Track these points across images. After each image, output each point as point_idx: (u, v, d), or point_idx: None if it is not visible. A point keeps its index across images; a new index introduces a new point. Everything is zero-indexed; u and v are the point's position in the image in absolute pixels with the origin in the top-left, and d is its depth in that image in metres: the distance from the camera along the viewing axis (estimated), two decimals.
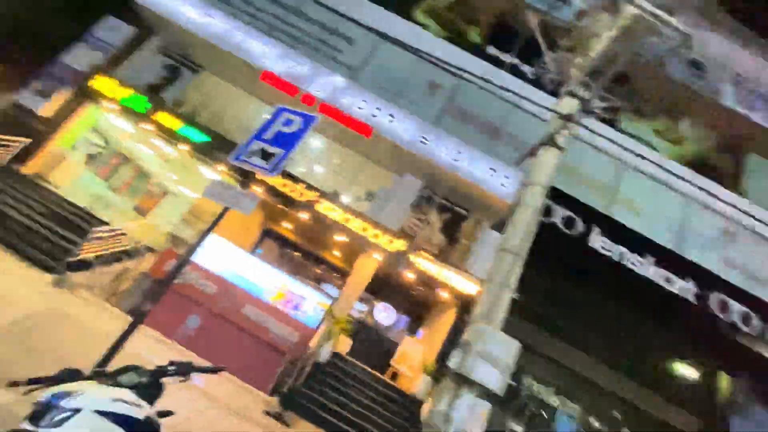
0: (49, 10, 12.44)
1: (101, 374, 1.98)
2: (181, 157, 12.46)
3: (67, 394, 1.60)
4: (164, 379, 2.17)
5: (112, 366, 2.20)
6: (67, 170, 11.73)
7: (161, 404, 2.08)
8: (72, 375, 1.83)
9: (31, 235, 7.95)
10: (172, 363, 2.19)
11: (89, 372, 1.95)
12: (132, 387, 1.96)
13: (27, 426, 1.45)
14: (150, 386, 2.04)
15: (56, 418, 1.50)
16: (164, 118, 11.49)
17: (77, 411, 1.56)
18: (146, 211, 15.12)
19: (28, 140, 10.57)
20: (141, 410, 1.81)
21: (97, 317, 5.92)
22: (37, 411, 1.50)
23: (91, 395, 1.67)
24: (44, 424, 1.48)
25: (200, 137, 11.41)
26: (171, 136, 11.44)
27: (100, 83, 11.56)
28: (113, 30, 12.49)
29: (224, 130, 11.85)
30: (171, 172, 14.79)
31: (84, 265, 8.29)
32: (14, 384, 1.65)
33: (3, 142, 10.00)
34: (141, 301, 7.14)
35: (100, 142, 13.86)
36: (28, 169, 10.80)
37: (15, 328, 4.07)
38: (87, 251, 8.41)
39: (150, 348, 5.89)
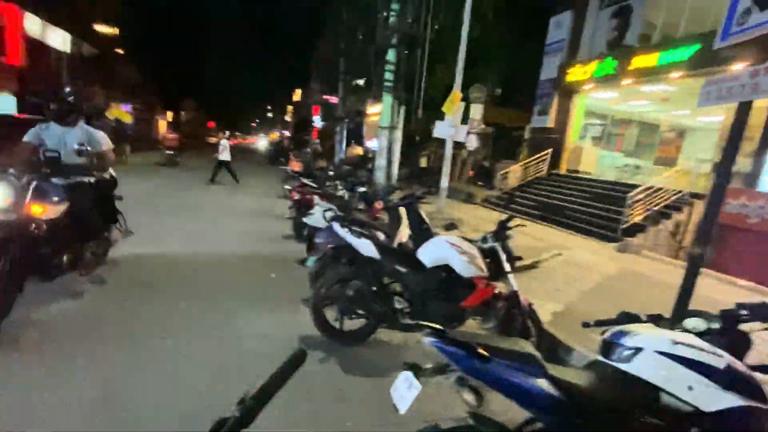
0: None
1: (659, 318, 1.93)
2: (680, 87, 10.65)
3: (624, 334, 1.68)
4: (744, 327, 1.74)
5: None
6: (588, 158, 13.45)
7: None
8: (630, 318, 1.93)
9: (587, 216, 9.63)
10: (741, 306, 1.73)
11: (645, 317, 1.96)
12: (701, 333, 1.73)
13: (600, 358, 1.66)
14: (724, 334, 1.71)
15: (623, 354, 1.61)
16: (639, 61, 10.60)
17: (639, 350, 1.58)
18: (672, 160, 13.87)
19: (550, 150, 13.39)
20: (718, 359, 1.54)
21: (664, 272, 5.94)
22: (603, 348, 1.68)
23: (649, 336, 1.64)
24: (614, 358, 1.63)
25: (687, 51, 9.32)
26: (656, 73, 10.24)
27: (571, 75, 12.80)
28: (558, 28, 13.71)
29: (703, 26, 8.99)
30: (676, 109, 12.94)
31: (638, 229, 8.77)
32: (586, 325, 1.96)
33: (540, 159, 13.33)
34: (705, 248, 6.33)
35: (598, 122, 14.88)
36: (562, 169, 13.52)
37: (598, 289, 4.97)
38: (634, 216, 8.88)
39: (719, 292, 5.02)
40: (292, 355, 0.73)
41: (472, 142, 9.25)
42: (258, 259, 5.19)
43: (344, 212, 4.71)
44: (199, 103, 50.35)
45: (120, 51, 26.32)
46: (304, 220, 4.98)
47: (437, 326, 1.45)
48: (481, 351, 1.30)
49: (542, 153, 13.41)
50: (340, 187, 8.34)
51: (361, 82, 18.81)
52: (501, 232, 3.10)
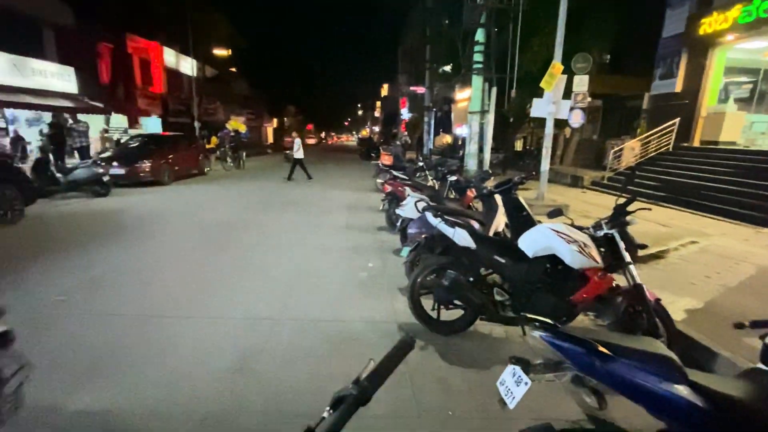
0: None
1: None
2: None
3: None
4: None
5: None
6: (732, 125, 11.02)
7: None
8: None
9: (732, 196, 7.93)
10: None
11: None
12: None
13: (763, 366, 1.35)
14: None
15: None
16: None
17: None
18: None
19: (677, 119, 11.30)
20: None
21: None
22: (766, 354, 1.36)
23: None
24: None
25: None
26: None
27: (705, 26, 10.58)
28: None
29: None
30: None
31: None
32: (739, 326, 1.62)
33: (664, 131, 11.38)
34: None
35: (745, 79, 12.05)
36: (695, 141, 11.33)
37: (749, 283, 4.04)
38: None
39: None
40: (401, 342, 0.74)
41: (578, 119, 8.28)
42: (356, 249, 5.47)
43: (436, 202, 4.67)
44: (299, 109, 54.88)
45: (233, 69, 30.06)
46: (397, 211, 5.07)
47: (547, 320, 1.33)
48: (602, 349, 1.16)
49: (667, 124, 11.41)
50: (430, 177, 8.30)
51: (448, 68, 18.34)
52: (619, 218, 2.72)
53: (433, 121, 22.09)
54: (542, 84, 7.64)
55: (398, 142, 21.21)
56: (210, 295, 3.84)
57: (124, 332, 3.08)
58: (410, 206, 4.43)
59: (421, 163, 9.56)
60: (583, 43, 11.67)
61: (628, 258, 2.66)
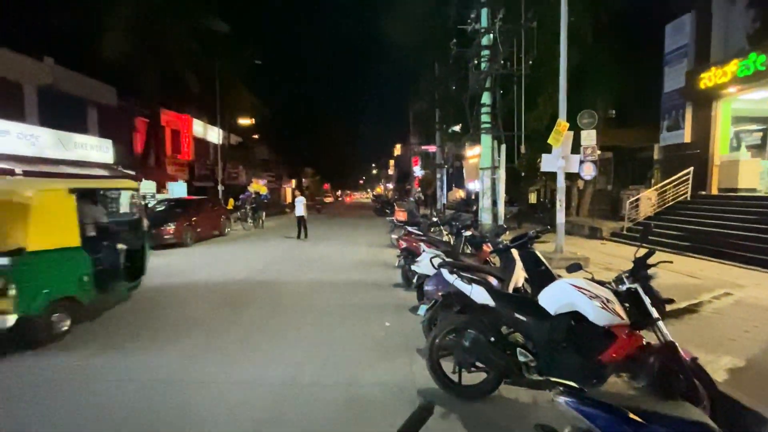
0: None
1: None
2: None
3: None
4: None
5: None
6: (748, 172, 10.91)
7: None
8: None
9: (757, 243, 7.63)
10: None
11: None
12: None
13: None
14: None
15: None
16: None
17: None
18: None
19: (691, 168, 11.31)
20: None
21: None
22: None
23: None
24: None
25: None
26: None
27: (705, 81, 10.97)
28: (677, 33, 12.14)
29: None
30: None
31: None
32: None
33: (680, 180, 11.33)
34: None
35: (756, 127, 12.17)
36: (713, 189, 11.21)
37: None
38: None
39: None
40: (419, 408, 0.73)
41: (589, 171, 8.39)
42: (372, 307, 5.38)
43: (452, 257, 4.66)
44: (316, 169, 57.41)
45: (256, 136, 32.16)
46: (413, 267, 5.06)
47: (572, 384, 1.28)
48: (633, 416, 1.10)
49: (682, 173, 11.40)
50: (445, 232, 8.34)
51: (457, 128, 19.19)
52: (640, 271, 2.66)
53: (445, 178, 22.62)
54: (550, 140, 7.89)
55: (412, 198, 21.62)
56: (225, 359, 3.78)
57: (140, 397, 3.03)
58: (426, 262, 4.43)
59: (435, 219, 9.66)
60: (588, 100, 12.17)
61: (655, 314, 2.55)
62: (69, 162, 13.59)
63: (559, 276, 3.76)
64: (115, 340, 4.27)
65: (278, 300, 5.89)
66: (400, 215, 13.21)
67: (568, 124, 7.88)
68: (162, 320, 4.97)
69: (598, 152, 9.01)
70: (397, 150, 53.48)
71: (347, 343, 4.17)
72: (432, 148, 24.92)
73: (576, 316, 2.66)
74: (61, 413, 2.84)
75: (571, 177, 11.10)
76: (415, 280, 5.15)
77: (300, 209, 13.68)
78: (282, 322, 4.87)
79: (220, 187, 21.85)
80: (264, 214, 18.56)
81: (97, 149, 15.25)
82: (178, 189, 20.59)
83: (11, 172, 10.97)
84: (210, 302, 5.85)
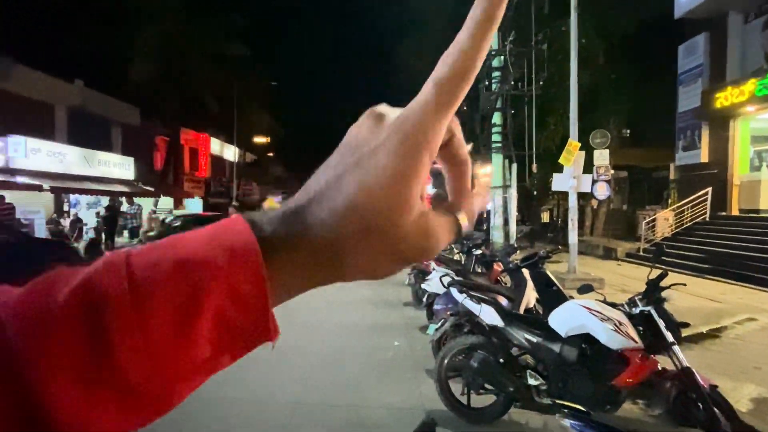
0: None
1: None
2: None
3: None
4: None
5: None
6: None
7: None
8: None
9: None
10: None
11: None
12: None
13: None
14: None
15: None
16: None
17: None
18: None
19: (709, 189, 11.08)
20: None
21: None
22: None
23: None
24: None
25: None
26: None
27: (721, 101, 10.86)
28: (691, 54, 12.14)
29: None
30: None
31: None
32: None
33: (698, 200, 11.09)
34: None
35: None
36: (733, 210, 10.93)
37: None
38: None
39: None
40: (422, 424, 0.74)
41: (603, 191, 8.31)
42: (380, 326, 5.34)
43: (462, 276, 4.63)
44: None
45: (271, 154, 32.92)
46: (422, 286, 5.03)
47: (579, 407, 1.26)
48: None
49: (700, 193, 11.17)
50: (455, 251, 8.29)
51: (467, 147, 19.38)
52: (653, 293, 2.60)
53: None
54: (561, 160, 7.87)
55: None
56: (230, 376, 3.79)
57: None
58: (435, 281, 4.41)
59: None
60: (600, 119, 12.16)
61: (670, 338, 2.48)
62: (93, 178, 14.10)
63: (571, 297, 3.69)
64: None
65: (284, 317, 5.87)
66: None
67: (579, 144, 7.87)
68: None
69: (612, 172, 8.94)
70: None
71: (355, 362, 4.14)
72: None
73: (588, 339, 2.60)
74: None
75: (585, 196, 10.99)
76: (425, 299, 5.11)
77: None
78: (288, 340, 4.86)
79: (234, 204, 22.29)
80: None
81: (119, 166, 15.81)
82: (193, 205, 21.07)
83: (39, 188, 11.45)
84: None
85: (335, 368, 3.98)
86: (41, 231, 10.40)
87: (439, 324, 3.68)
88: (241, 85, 21.03)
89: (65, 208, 13.52)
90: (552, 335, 2.74)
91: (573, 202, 8.10)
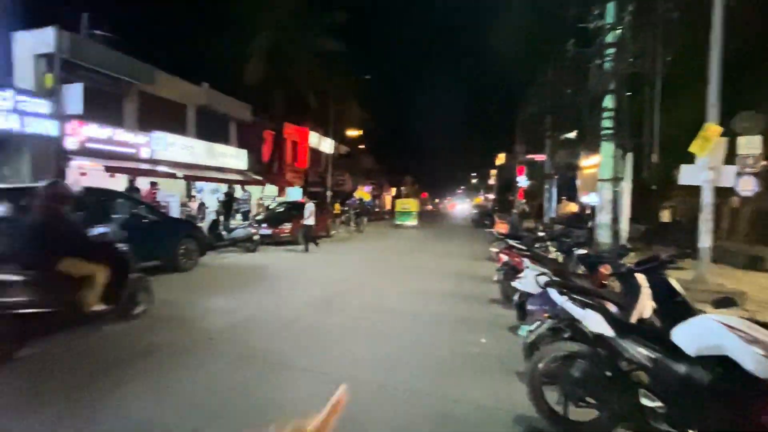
0: None
1: None
2: None
3: None
4: None
5: None
6: None
7: None
8: None
9: None
10: None
11: None
12: None
13: None
14: None
15: None
16: None
17: None
18: None
19: None
20: None
21: None
22: None
23: None
24: None
25: None
26: None
27: None
28: None
29: None
30: None
31: None
32: None
33: None
34: None
35: None
36: None
37: None
38: None
39: None
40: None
41: (748, 186, 6.82)
42: (466, 321, 5.19)
43: (560, 277, 4.23)
44: (415, 178, 58.50)
45: (362, 146, 34.25)
46: (514, 284, 4.74)
47: None
48: None
49: None
50: (551, 249, 7.62)
51: (571, 135, 17.47)
52: None
53: (555, 189, 20.77)
54: (692, 149, 6.64)
55: (515, 210, 20.40)
56: (324, 350, 4.05)
57: (252, 376, 3.43)
58: (529, 279, 4.11)
59: (541, 233, 8.90)
60: (748, 99, 9.92)
61: None
62: (214, 168, 16.32)
63: (702, 311, 3.10)
64: (237, 317, 4.93)
65: (371, 302, 6.09)
66: (501, 227, 12.53)
67: (720, 129, 6.53)
68: (277, 305, 5.57)
69: (763, 163, 7.26)
70: (500, 159, 51.14)
71: (439, 353, 4.09)
72: (540, 157, 23.20)
73: (725, 362, 2.15)
74: (186, 387, 3.38)
75: (722, 193, 9.12)
76: (515, 298, 4.81)
77: (310, 218, 11.74)
78: (373, 325, 5.02)
79: (328, 193, 23.78)
80: (366, 219, 19.59)
81: (234, 158, 18.00)
82: (294, 193, 23.03)
83: (174, 176, 13.63)
84: (312, 297, 6.32)
85: (419, 356, 3.99)
86: (176, 212, 12.41)
87: (534, 326, 3.41)
88: (337, 81, 22.11)
89: (192, 193, 15.93)
90: (676, 353, 2.33)
91: (707, 198, 6.79)
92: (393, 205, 37.34)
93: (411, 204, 23.50)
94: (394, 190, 47.04)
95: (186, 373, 3.43)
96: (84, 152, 11.27)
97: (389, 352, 4.10)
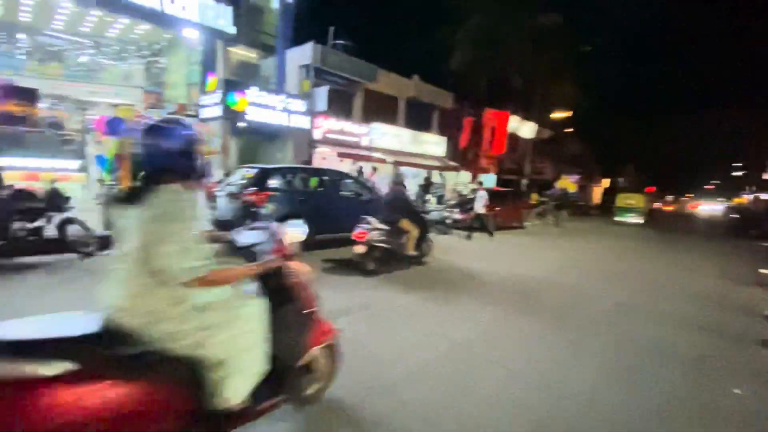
0: None
1: None
2: None
3: None
4: None
5: None
6: None
7: None
8: None
9: None
10: None
11: None
12: None
13: None
14: None
15: None
16: None
17: None
18: None
19: None
20: None
21: None
22: None
23: None
24: None
25: None
26: None
27: None
28: None
29: None
30: None
31: None
32: None
33: None
34: None
35: None
36: None
37: None
38: None
39: None
40: None
41: None
42: (713, 361, 3.93)
43: None
44: (639, 168, 47.87)
45: (569, 130, 30.24)
46: None
47: None
48: None
49: None
50: None
51: None
52: None
53: None
54: None
55: None
56: (520, 352, 3.89)
57: (444, 353, 3.64)
58: None
59: None
60: None
61: None
62: (416, 154, 17.84)
63: None
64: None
65: (574, 311, 5.35)
66: None
67: None
68: (459, 294, 5.69)
69: None
70: None
71: (678, 406, 3.26)
72: None
73: None
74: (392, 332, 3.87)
75: None
76: None
77: (481, 205, 11.69)
78: (576, 335, 4.44)
79: (524, 181, 22.29)
80: (566, 213, 17.42)
81: (434, 145, 19.14)
82: (488, 180, 22.70)
83: (384, 161, 15.64)
84: (505, 292, 6.11)
85: (652, 404, 3.31)
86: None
87: None
88: (549, 56, 20.07)
89: (401, 179, 17.96)
90: None
91: None
92: (602, 200, 31.69)
93: (636, 199, 21.59)
94: (607, 182, 39.84)
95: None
96: (324, 141, 14.34)
97: (597, 374, 3.57)
